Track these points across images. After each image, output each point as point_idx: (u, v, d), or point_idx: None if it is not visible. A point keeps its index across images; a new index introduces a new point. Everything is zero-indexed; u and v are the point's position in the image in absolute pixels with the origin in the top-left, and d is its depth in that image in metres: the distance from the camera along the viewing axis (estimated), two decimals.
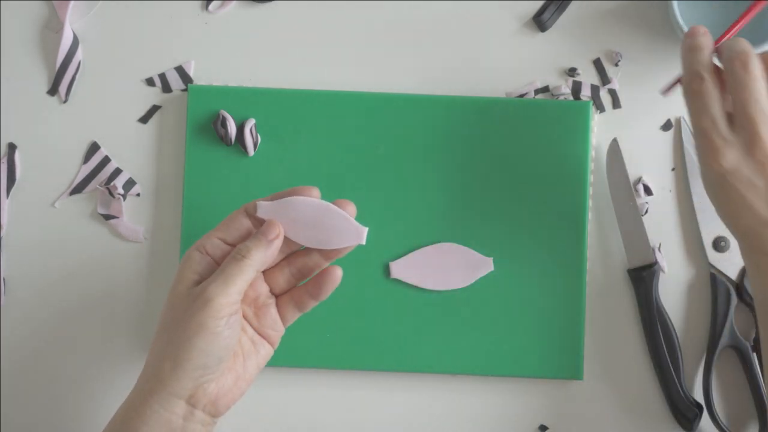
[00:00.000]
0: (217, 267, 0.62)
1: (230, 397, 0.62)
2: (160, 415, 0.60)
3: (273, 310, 0.65)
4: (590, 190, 0.76)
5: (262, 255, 0.61)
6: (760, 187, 0.62)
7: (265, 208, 0.63)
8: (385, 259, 0.75)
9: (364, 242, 0.63)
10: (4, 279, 0.77)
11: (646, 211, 0.77)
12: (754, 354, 0.75)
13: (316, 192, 0.64)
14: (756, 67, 0.63)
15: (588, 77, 0.77)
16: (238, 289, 0.60)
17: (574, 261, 0.75)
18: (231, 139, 0.75)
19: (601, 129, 0.77)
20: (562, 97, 0.77)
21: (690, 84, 0.65)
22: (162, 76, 0.78)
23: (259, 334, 0.65)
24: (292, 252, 0.66)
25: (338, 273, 0.65)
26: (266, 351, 0.65)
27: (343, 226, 0.63)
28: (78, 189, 0.77)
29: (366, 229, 0.63)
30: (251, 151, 0.76)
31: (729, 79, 0.63)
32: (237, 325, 0.61)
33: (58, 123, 0.78)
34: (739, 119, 0.63)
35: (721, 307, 0.75)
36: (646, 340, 0.75)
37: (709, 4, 0.75)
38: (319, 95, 0.76)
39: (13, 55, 0.78)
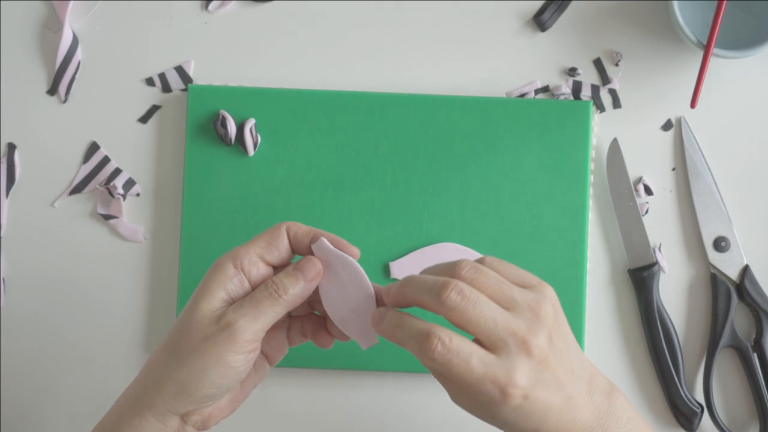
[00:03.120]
0: (250, 289, 0.58)
1: (222, 415, 0.60)
2: (153, 426, 0.57)
3: (284, 333, 0.63)
4: (590, 190, 0.76)
5: (299, 297, 0.58)
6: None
7: (323, 248, 0.59)
8: (385, 259, 0.75)
9: (364, 348, 0.60)
10: (3, 279, 0.77)
11: (647, 211, 0.77)
12: (755, 354, 0.75)
13: (356, 252, 0.60)
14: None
15: (588, 77, 0.77)
16: (266, 327, 0.57)
17: (575, 261, 0.75)
18: (231, 139, 0.75)
19: (601, 129, 0.77)
20: (562, 97, 0.77)
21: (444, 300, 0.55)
22: (162, 76, 0.78)
23: (264, 354, 0.62)
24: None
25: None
26: (265, 370, 0.62)
27: (364, 324, 0.59)
28: (78, 189, 0.77)
29: (375, 343, 0.60)
30: (251, 151, 0.76)
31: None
32: (254, 357, 0.58)
33: (58, 123, 0.78)
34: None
35: (722, 307, 0.75)
36: (646, 340, 0.75)
37: (709, 4, 0.75)
38: (319, 95, 0.76)
39: (12, 55, 0.78)
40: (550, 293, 0.57)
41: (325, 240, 0.59)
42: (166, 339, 0.59)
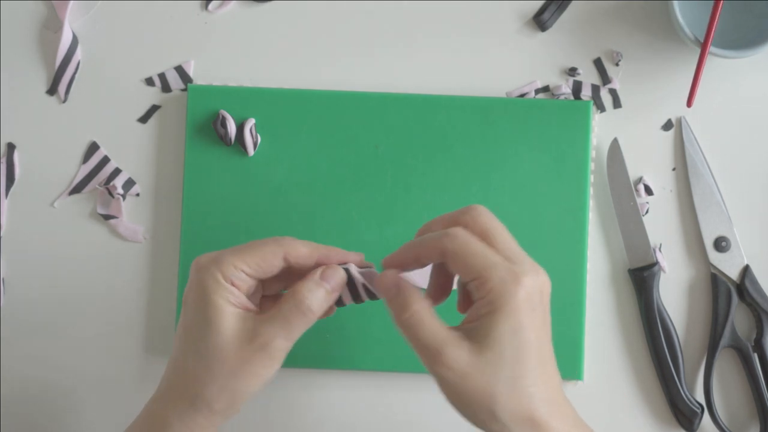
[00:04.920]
0: (246, 299, 0.59)
1: None
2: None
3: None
4: (591, 190, 0.76)
5: (326, 307, 0.60)
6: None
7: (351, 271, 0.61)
8: None
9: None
10: (3, 279, 0.77)
11: (647, 211, 0.77)
12: (755, 354, 0.75)
13: (358, 258, 0.63)
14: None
15: (588, 77, 0.77)
16: (296, 339, 0.59)
17: (575, 261, 0.75)
18: (231, 138, 0.75)
19: (601, 129, 0.77)
20: (562, 97, 0.77)
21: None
22: (161, 76, 0.78)
23: None
24: None
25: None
26: None
27: None
28: (77, 189, 0.77)
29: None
30: (251, 151, 0.75)
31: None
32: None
33: (58, 123, 0.78)
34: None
35: (722, 308, 0.75)
36: (646, 340, 0.75)
37: (709, 4, 0.75)
38: (319, 95, 0.76)
39: (12, 55, 0.78)
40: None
41: (352, 267, 0.61)
42: (183, 362, 0.59)
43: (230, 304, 0.58)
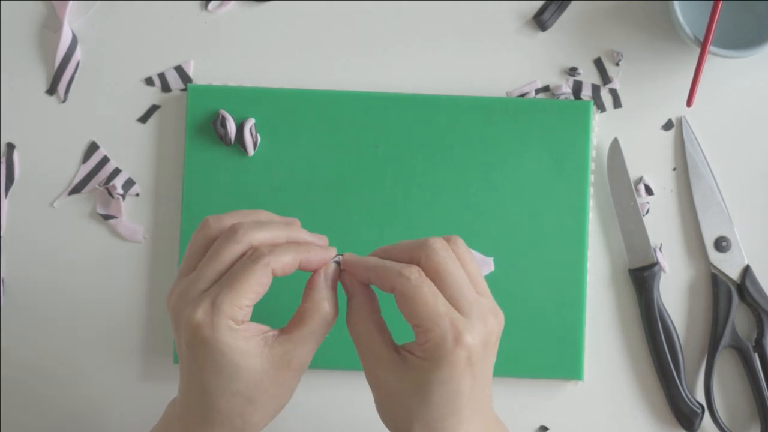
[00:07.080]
0: (256, 326, 0.59)
1: None
2: None
3: None
4: (591, 190, 0.76)
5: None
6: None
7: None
8: None
9: None
10: (3, 279, 0.77)
11: (647, 211, 0.77)
12: (756, 354, 0.75)
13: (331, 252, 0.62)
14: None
15: (589, 77, 0.77)
16: None
17: (575, 261, 0.75)
18: (231, 138, 0.75)
19: (601, 129, 0.77)
20: (562, 97, 0.77)
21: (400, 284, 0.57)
22: (161, 76, 0.78)
23: None
24: None
25: None
26: None
27: None
28: (77, 189, 0.77)
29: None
30: (251, 151, 0.75)
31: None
32: None
33: (57, 122, 0.78)
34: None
35: (723, 308, 0.75)
36: (646, 341, 0.75)
37: (710, 4, 0.75)
38: (319, 95, 0.76)
39: (12, 55, 0.78)
40: (501, 320, 0.59)
41: (339, 257, 0.61)
42: (218, 400, 0.58)
43: (252, 340, 0.58)
